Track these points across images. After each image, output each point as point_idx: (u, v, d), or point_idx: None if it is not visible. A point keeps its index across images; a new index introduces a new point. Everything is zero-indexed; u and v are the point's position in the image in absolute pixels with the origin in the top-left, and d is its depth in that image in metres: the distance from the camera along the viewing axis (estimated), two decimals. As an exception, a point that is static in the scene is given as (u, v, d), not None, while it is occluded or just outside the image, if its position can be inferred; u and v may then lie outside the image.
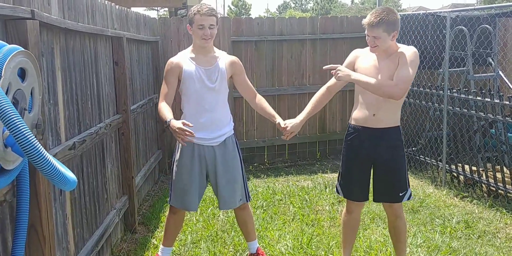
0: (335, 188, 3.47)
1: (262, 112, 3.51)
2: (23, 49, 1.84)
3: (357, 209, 3.39)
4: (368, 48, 3.18)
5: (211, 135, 3.32)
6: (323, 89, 3.39)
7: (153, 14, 42.90)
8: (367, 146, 3.19)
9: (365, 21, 3.02)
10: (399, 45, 3.12)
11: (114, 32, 3.94)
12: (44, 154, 1.62)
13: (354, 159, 3.27)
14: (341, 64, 3.23)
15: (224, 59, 3.37)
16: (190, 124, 2.93)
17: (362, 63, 3.16)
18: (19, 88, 1.81)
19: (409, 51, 3.02)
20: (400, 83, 2.93)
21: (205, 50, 3.32)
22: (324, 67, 3.21)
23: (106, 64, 3.82)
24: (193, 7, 3.25)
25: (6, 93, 1.69)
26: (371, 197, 3.38)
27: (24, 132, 1.57)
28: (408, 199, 3.28)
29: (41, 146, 1.63)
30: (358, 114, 3.22)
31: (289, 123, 3.32)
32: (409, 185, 3.26)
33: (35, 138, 1.62)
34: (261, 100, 3.51)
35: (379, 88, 2.97)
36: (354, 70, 3.20)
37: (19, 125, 1.57)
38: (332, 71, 3.13)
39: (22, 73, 1.86)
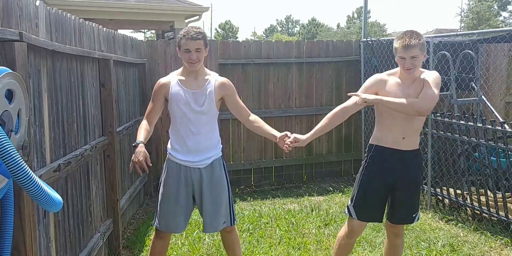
0: (346, 209, 3.42)
1: (260, 131, 3.46)
2: (11, 71, 1.85)
3: (360, 231, 3.41)
4: (386, 73, 3.24)
5: (197, 158, 3.30)
6: (337, 109, 3.32)
7: (140, 36, 43.16)
8: (394, 168, 3.24)
9: (399, 44, 3.04)
10: (421, 69, 3.20)
11: (101, 54, 3.96)
12: (31, 176, 1.62)
13: (377, 180, 3.29)
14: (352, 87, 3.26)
15: (214, 81, 3.34)
16: (149, 164, 3.02)
17: (392, 87, 3.17)
18: (6, 109, 1.81)
19: (434, 74, 3.12)
20: (428, 99, 3.01)
21: (195, 73, 3.30)
22: (348, 94, 3.23)
23: (92, 86, 3.82)
24: (181, 30, 3.27)
25: (-7, 115, 1.69)
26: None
27: (11, 153, 1.56)
28: (417, 220, 3.38)
29: (28, 167, 1.62)
30: (385, 136, 3.25)
31: (297, 135, 3.34)
32: (419, 206, 3.38)
33: (22, 159, 1.61)
34: (256, 119, 3.47)
35: (410, 105, 3.01)
36: (376, 94, 3.21)
37: (6, 146, 1.56)
38: (356, 97, 3.16)
39: (9, 95, 1.86)
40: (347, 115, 3.34)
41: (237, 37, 64.33)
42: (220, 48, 6.57)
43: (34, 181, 1.62)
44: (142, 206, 5.92)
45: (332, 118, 3.31)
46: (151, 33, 41.33)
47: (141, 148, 3.05)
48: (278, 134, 3.36)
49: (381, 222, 3.40)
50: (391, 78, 3.22)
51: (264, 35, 72.31)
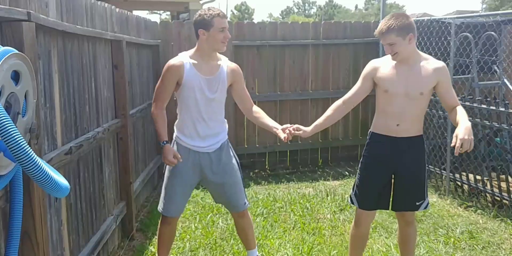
0: (349, 199, 3.37)
1: (260, 122, 3.37)
2: (17, 52, 1.78)
3: (367, 221, 3.28)
4: (385, 58, 3.12)
5: (207, 143, 3.25)
6: (338, 103, 3.25)
7: (155, 17, 43.06)
8: (389, 155, 3.13)
9: (376, 31, 2.98)
10: (424, 55, 3.07)
11: (114, 35, 3.88)
12: (35, 160, 1.56)
13: (375, 167, 3.20)
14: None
15: (225, 66, 3.25)
16: (180, 159, 3.14)
17: (386, 73, 3.07)
18: (13, 91, 1.75)
19: (446, 70, 3.01)
20: (458, 103, 3.05)
21: (210, 57, 3.19)
22: (455, 154, 2.83)
23: (105, 68, 3.76)
24: (203, 10, 3.11)
25: (-2, 96, 1.63)
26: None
27: (15, 137, 1.51)
28: (425, 208, 3.24)
29: (32, 152, 1.56)
30: (381, 123, 3.15)
31: (299, 126, 3.24)
32: (427, 195, 3.22)
33: (27, 143, 1.55)
34: (258, 110, 3.39)
35: (464, 114, 2.99)
36: (373, 81, 3.13)
37: (10, 130, 1.51)
38: (460, 148, 2.78)
39: (16, 76, 1.80)
40: (350, 108, 3.26)
41: (252, 19, 63.87)
42: (235, 29, 6.45)
43: (39, 165, 1.56)
44: (156, 188, 5.90)
45: (333, 113, 3.25)
46: (167, 15, 41.21)
47: (167, 150, 3.14)
48: (279, 127, 3.26)
49: (387, 209, 3.29)
50: (387, 61, 3.09)
51: (280, 17, 71.69)
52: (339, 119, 3.40)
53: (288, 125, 3.24)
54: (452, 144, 2.77)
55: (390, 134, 3.10)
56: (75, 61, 3.05)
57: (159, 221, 3.42)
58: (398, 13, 3.02)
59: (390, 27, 2.88)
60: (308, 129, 3.23)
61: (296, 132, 3.20)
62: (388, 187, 3.21)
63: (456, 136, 2.75)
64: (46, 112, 2.52)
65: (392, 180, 3.20)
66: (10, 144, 1.51)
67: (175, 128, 3.35)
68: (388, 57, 3.09)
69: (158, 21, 6.41)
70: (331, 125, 3.43)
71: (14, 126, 1.52)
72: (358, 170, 3.32)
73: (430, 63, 3.01)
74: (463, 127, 2.80)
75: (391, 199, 3.24)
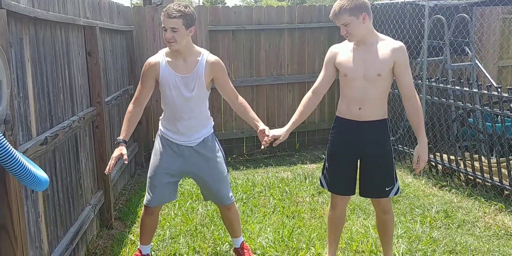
0: (319, 181, 3.39)
1: (244, 116, 3.34)
2: (-13, 40, 1.73)
3: (342, 203, 3.30)
4: (344, 42, 3.12)
5: (188, 138, 3.22)
6: (308, 95, 3.25)
7: (126, 2, 42.24)
8: (352, 139, 3.12)
9: (330, 14, 2.97)
10: (382, 36, 3.04)
11: (87, 21, 3.80)
12: (13, 153, 1.52)
13: (340, 152, 3.19)
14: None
15: (204, 62, 3.12)
16: (125, 161, 3.03)
17: (344, 57, 3.06)
18: (-16, 82, 1.70)
19: (403, 51, 2.96)
20: (413, 91, 3.04)
21: (182, 54, 3.09)
22: (416, 172, 3.14)
23: (78, 55, 3.68)
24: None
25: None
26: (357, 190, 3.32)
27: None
28: (396, 194, 3.20)
29: (8, 144, 1.53)
30: (343, 107, 3.14)
31: (275, 131, 3.20)
32: (396, 180, 3.18)
33: (2, 136, 1.51)
34: (243, 103, 3.32)
35: (417, 107, 3.04)
36: (335, 66, 3.13)
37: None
38: (417, 169, 3.12)
39: (-13, 66, 1.74)
40: (321, 96, 3.26)
41: (225, 3, 63.25)
42: (210, 14, 6.38)
43: (16, 159, 1.53)
44: (133, 176, 5.86)
45: (307, 104, 3.24)
46: (138, -1, 40.45)
47: (119, 148, 3.06)
48: (259, 126, 3.24)
49: (353, 194, 3.29)
50: (345, 45, 3.10)
51: (254, 1, 71.14)
52: (315, 108, 3.37)
53: (266, 127, 3.22)
54: (415, 166, 3.08)
55: (353, 118, 3.09)
56: (48, 48, 2.97)
57: (142, 211, 3.40)
58: None
59: (342, 7, 2.87)
60: (283, 130, 3.20)
61: (276, 142, 3.20)
62: (355, 172, 3.21)
63: (418, 157, 3.04)
64: (19, 102, 2.46)
65: (358, 165, 3.20)
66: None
67: (160, 120, 3.32)
68: (347, 42, 3.09)
69: (130, 6, 6.28)
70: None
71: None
72: (325, 155, 3.32)
73: (388, 44, 2.97)
74: (424, 146, 3.04)
75: (359, 185, 3.25)
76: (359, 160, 3.18)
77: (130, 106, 3.20)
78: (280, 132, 3.20)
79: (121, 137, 3.12)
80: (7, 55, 2.13)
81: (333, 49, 3.17)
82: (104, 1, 4.65)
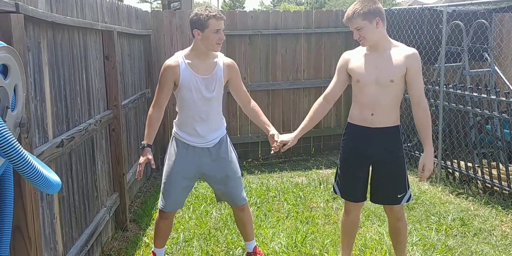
0: (332, 187, 3.37)
1: (256, 120, 3.40)
2: (5, 45, 1.76)
3: (355, 209, 3.28)
4: (357, 49, 3.11)
5: (206, 140, 3.24)
6: (319, 101, 3.26)
7: (146, 7, 42.68)
8: (364, 146, 3.11)
9: (344, 18, 2.97)
10: (395, 42, 3.03)
11: (105, 25, 3.85)
12: (25, 156, 1.54)
13: (352, 159, 3.18)
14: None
15: (221, 63, 3.21)
16: (153, 166, 3.16)
17: (356, 63, 3.06)
18: (1, 85, 1.73)
19: (416, 57, 2.94)
20: (423, 98, 3.00)
21: (204, 56, 3.15)
22: (421, 180, 3.22)
23: (96, 59, 3.73)
24: (200, 9, 3.04)
25: (-14, 91, 1.61)
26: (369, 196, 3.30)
27: (3, 133, 1.49)
28: (408, 201, 3.17)
29: (22, 148, 1.55)
30: (356, 114, 3.13)
31: (284, 137, 3.22)
32: (408, 187, 3.16)
33: (15, 139, 1.54)
34: (255, 107, 3.38)
35: (426, 112, 3.02)
36: (347, 73, 3.13)
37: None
38: (422, 177, 3.14)
39: (4, 70, 1.77)
40: (332, 102, 3.26)
41: (244, 7, 63.47)
42: (227, 18, 6.39)
43: (28, 162, 1.55)
44: (149, 179, 5.90)
45: (317, 110, 3.25)
46: (158, 3, 40.85)
47: (146, 151, 3.13)
48: (270, 130, 3.28)
49: (365, 200, 3.27)
50: (358, 51, 3.10)
51: (272, 5, 71.26)
52: (325, 114, 3.38)
53: (276, 132, 3.25)
54: (420, 174, 3.10)
55: (365, 125, 3.07)
56: (66, 52, 3.02)
57: (156, 215, 3.42)
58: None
59: (356, 11, 2.87)
60: (292, 136, 3.22)
61: (284, 147, 3.22)
62: (367, 179, 3.19)
63: (424, 165, 3.06)
64: (36, 104, 2.50)
65: (370, 172, 3.18)
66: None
67: (174, 124, 3.34)
68: (361, 47, 3.09)
69: (149, 11, 6.34)
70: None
71: (2, 122, 1.50)
72: (338, 161, 3.31)
73: (401, 50, 2.96)
74: (430, 155, 3.05)
75: (370, 191, 3.22)
76: (371, 167, 3.16)
77: (151, 110, 3.23)
78: (289, 137, 3.21)
79: (145, 142, 3.16)
80: (24, 59, 2.16)
81: (346, 55, 3.18)
82: (122, 5, 4.70)
